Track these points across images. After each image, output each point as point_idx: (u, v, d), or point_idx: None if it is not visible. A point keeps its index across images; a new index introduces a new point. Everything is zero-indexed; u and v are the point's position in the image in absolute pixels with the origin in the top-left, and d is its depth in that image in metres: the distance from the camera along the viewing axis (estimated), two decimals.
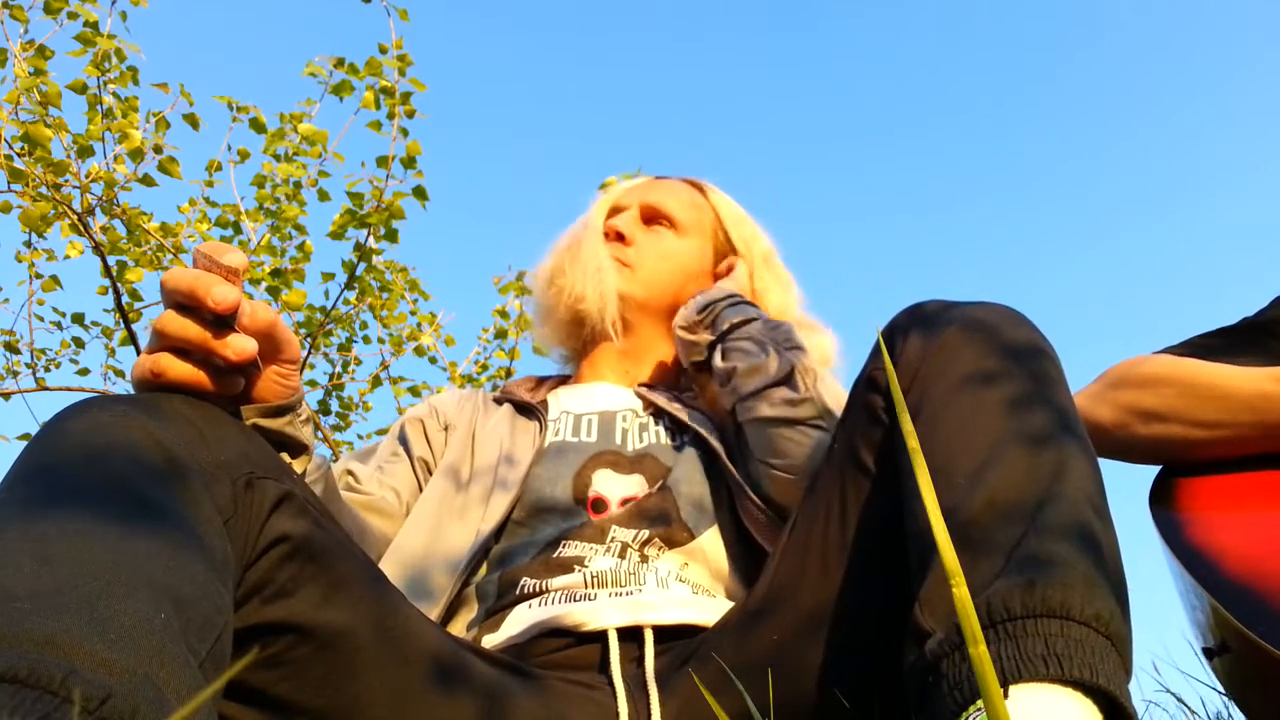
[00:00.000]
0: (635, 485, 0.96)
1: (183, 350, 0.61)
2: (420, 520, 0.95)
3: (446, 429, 1.09)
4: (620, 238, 1.17)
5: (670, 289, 1.17)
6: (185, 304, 0.60)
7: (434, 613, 0.86)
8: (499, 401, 1.13)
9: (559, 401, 1.12)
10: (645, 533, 0.90)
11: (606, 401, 1.11)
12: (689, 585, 0.87)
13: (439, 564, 0.90)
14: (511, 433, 1.04)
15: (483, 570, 0.92)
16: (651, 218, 1.20)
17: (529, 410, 1.09)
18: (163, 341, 0.61)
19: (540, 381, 1.20)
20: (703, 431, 1.00)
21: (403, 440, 1.08)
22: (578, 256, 1.18)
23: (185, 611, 0.45)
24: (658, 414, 1.08)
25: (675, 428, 1.05)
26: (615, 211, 1.23)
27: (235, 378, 0.65)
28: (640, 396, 1.11)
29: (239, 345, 0.61)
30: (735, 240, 1.21)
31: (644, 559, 0.88)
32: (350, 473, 0.99)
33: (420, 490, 1.02)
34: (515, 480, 0.96)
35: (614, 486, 0.96)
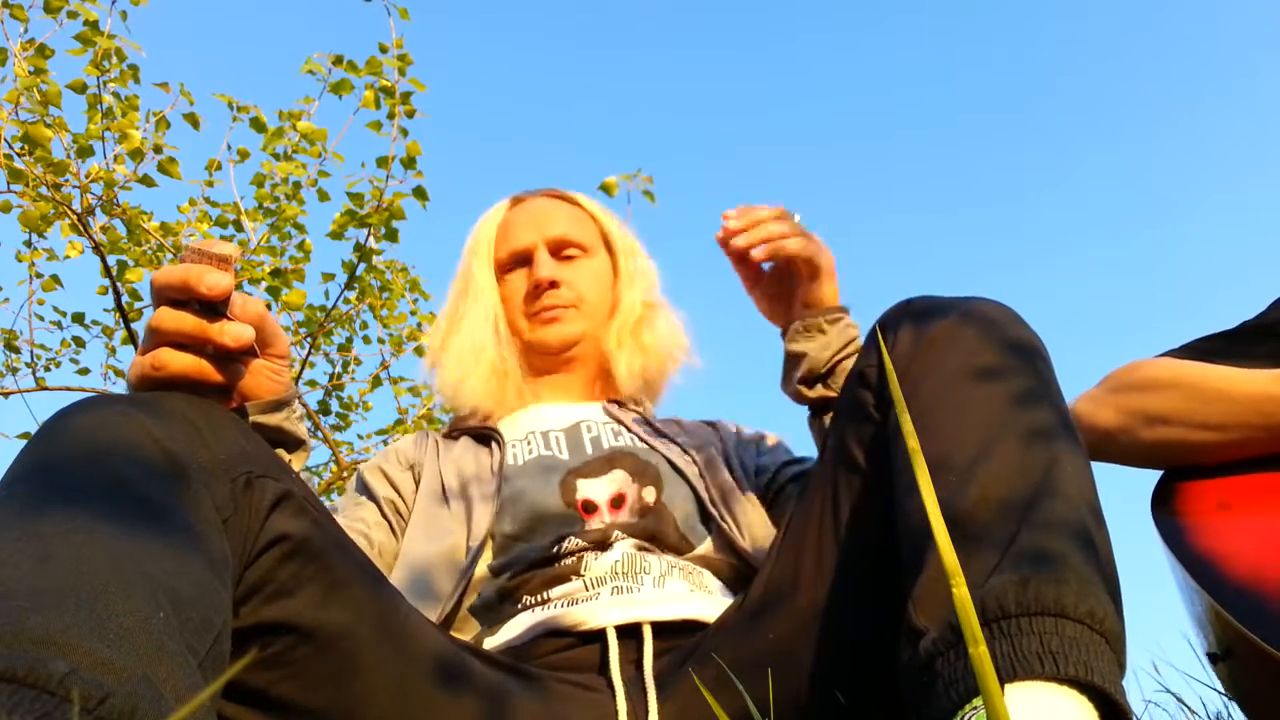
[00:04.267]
0: (617, 481, 0.97)
1: (179, 345, 0.62)
2: (417, 531, 0.96)
3: (412, 468, 1.07)
4: (554, 285, 1.15)
5: (606, 308, 1.20)
6: (178, 298, 0.61)
7: (435, 614, 0.86)
8: (454, 436, 1.12)
9: (517, 424, 1.11)
10: (647, 536, 0.91)
11: (568, 417, 1.11)
12: (685, 582, 0.87)
13: (441, 567, 0.91)
14: (479, 468, 1.03)
15: (480, 585, 0.92)
16: (559, 249, 1.18)
17: (486, 438, 1.08)
18: (158, 338, 0.62)
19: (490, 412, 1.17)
20: (681, 465, 1.00)
21: (364, 489, 1.06)
22: (467, 353, 1.15)
23: (184, 611, 0.45)
24: (628, 429, 1.09)
25: (649, 440, 1.06)
26: (515, 258, 1.19)
27: (236, 366, 0.65)
28: (609, 414, 1.12)
29: (235, 331, 0.62)
30: (613, 240, 1.22)
31: (643, 559, 0.88)
32: None
33: (391, 530, 1.01)
34: (488, 512, 0.95)
35: (597, 488, 0.96)
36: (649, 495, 0.96)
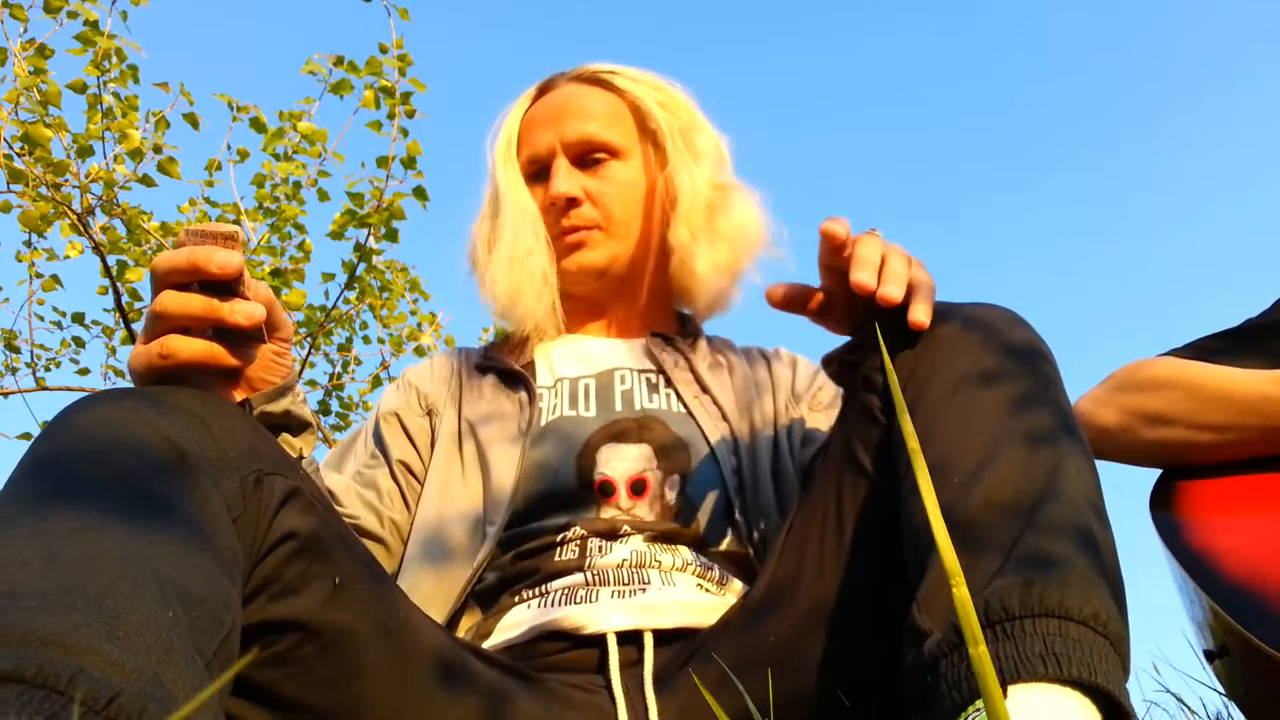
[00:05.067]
0: (642, 459, 0.91)
1: (185, 331, 0.60)
2: (433, 495, 0.93)
3: (430, 413, 1.01)
4: (573, 202, 1.01)
5: (642, 221, 1.05)
6: (183, 282, 0.58)
7: (454, 587, 0.85)
8: (483, 369, 1.04)
9: (550, 361, 1.03)
10: (660, 533, 0.87)
11: (604, 359, 1.02)
12: (695, 579, 0.85)
13: (461, 537, 0.89)
14: (501, 411, 0.97)
15: (490, 561, 0.89)
16: (583, 153, 1.03)
17: (515, 379, 1.01)
18: (163, 324, 0.59)
19: (525, 337, 1.06)
20: (715, 444, 0.93)
21: (379, 441, 1.00)
22: (513, 259, 1.02)
23: (193, 610, 0.45)
24: (668, 380, 1.00)
25: (686, 401, 0.97)
26: (534, 165, 1.06)
27: (248, 349, 0.63)
28: (650, 355, 1.03)
29: (247, 309, 0.59)
30: (660, 130, 1.06)
31: (653, 554, 0.85)
32: (329, 491, 0.91)
33: (404, 498, 0.97)
34: (510, 468, 0.91)
35: (619, 463, 0.91)
36: (671, 489, 0.91)
